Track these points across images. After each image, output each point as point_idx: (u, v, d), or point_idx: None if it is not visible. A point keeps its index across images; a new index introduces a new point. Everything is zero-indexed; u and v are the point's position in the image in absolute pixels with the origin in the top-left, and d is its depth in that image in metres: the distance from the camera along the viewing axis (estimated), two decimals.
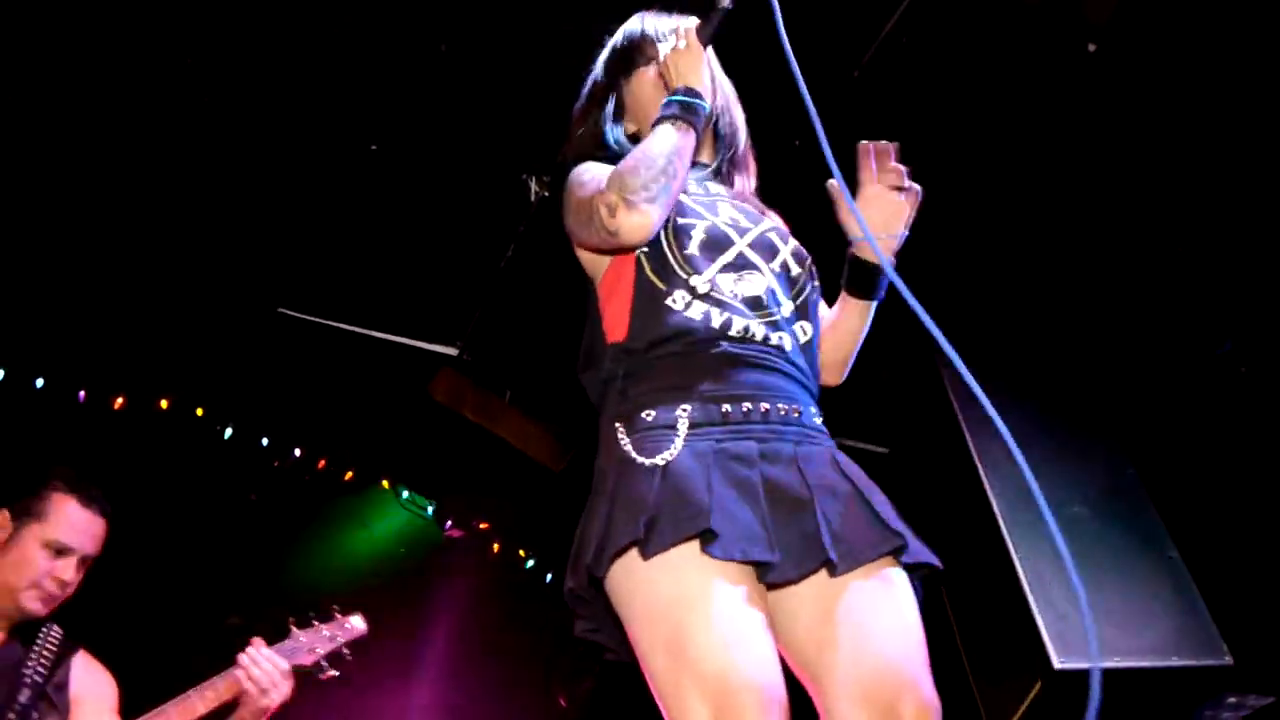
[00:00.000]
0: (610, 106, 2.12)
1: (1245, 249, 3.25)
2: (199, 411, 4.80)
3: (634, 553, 1.51)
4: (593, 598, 1.62)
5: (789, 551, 1.53)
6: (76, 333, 4.37)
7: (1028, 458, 3.28)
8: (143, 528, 4.66)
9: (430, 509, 5.47)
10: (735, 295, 1.76)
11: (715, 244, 1.81)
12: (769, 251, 1.87)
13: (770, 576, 1.53)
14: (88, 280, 4.17)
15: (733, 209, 1.93)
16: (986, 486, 3.18)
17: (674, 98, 1.86)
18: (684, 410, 1.64)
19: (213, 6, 3.09)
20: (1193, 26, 2.80)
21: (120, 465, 4.60)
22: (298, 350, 4.53)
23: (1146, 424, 3.48)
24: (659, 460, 1.58)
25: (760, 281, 1.80)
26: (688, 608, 1.46)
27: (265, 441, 4.98)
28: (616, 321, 1.80)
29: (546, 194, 3.65)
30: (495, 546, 5.63)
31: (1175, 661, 2.97)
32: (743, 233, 1.87)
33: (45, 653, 2.64)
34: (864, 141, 1.95)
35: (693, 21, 1.97)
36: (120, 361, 4.53)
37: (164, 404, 4.70)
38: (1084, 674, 2.89)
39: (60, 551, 2.55)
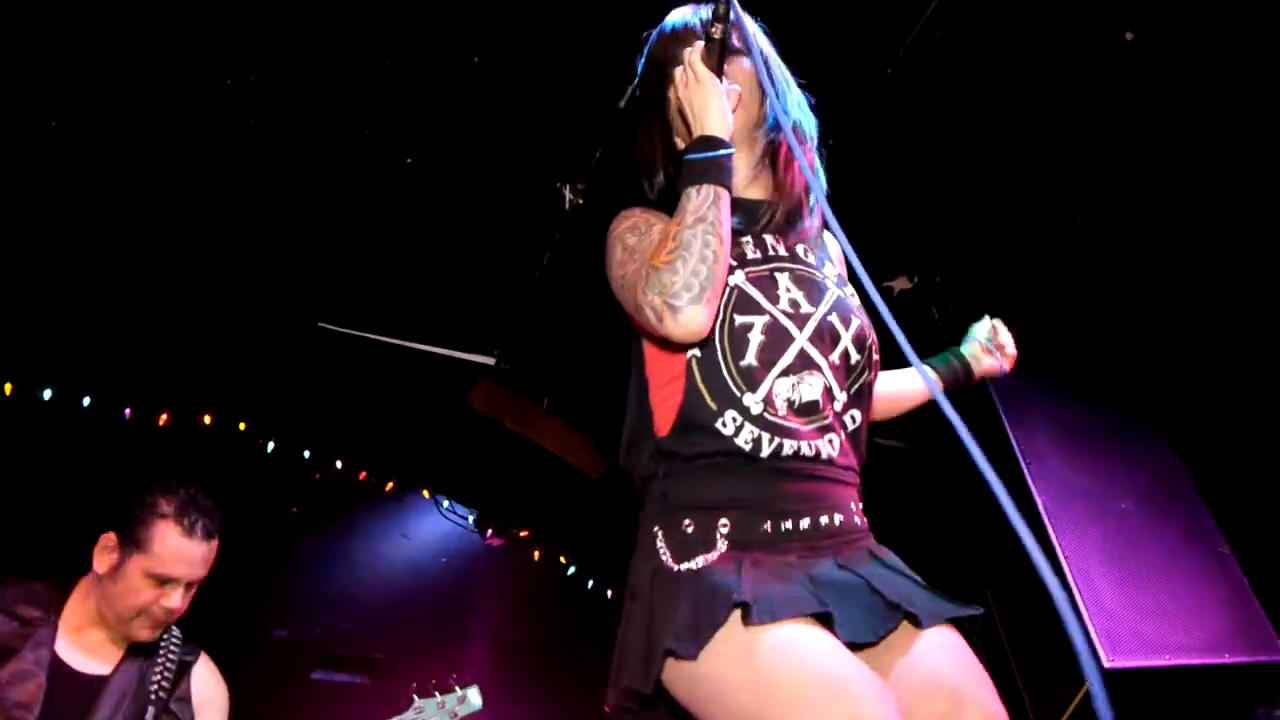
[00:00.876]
0: (650, 131, 1.96)
1: None
2: (242, 426, 4.86)
3: (675, 661, 1.50)
4: (638, 709, 1.60)
5: (856, 619, 1.51)
6: (121, 351, 4.44)
7: (1073, 454, 3.25)
8: None
9: (471, 518, 5.49)
10: (791, 404, 1.67)
11: (774, 346, 1.69)
12: (830, 340, 1.74)
13: (842, 636, 1.49)
14: (132, 300, 4.23)
15: (793, 283, 1.77)
16: (1030, 484, 3.14)
17: (691, 155, 1.71)
18: (724, 525, 1.61)
19: (251, 28, 3.13)
20: (1230, 13, 2.76)
21: (165, 481, 4.66)
22: (338, 364, 4.57)
23: (1196, 417, 3.43)
24: (694, 565, 1.58)
25: (818, 383, 1.70)
26: (762, 664, 1.42)
27: (307, 454, 5.03)
28: (663, 416, 1.73)
29: (581, 202, 3.66)
30: (536, 554, 5.65)
31: (1229, 659, 2.92)
32: (804, 321, 1.72)
33: (167, 665, 2.65)
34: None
35: (696, 47, 1.80)
36: (164, 378, 4.60)
37: (207, 419, 4.76)
38: (1135, 673, 2.86)
39: (164, 581, 2.52)
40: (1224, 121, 3.05)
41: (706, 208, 1.65)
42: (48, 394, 4.40)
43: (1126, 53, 2.87)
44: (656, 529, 1.66)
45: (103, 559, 2.55)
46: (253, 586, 4.96)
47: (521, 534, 5.60)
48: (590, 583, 5.71)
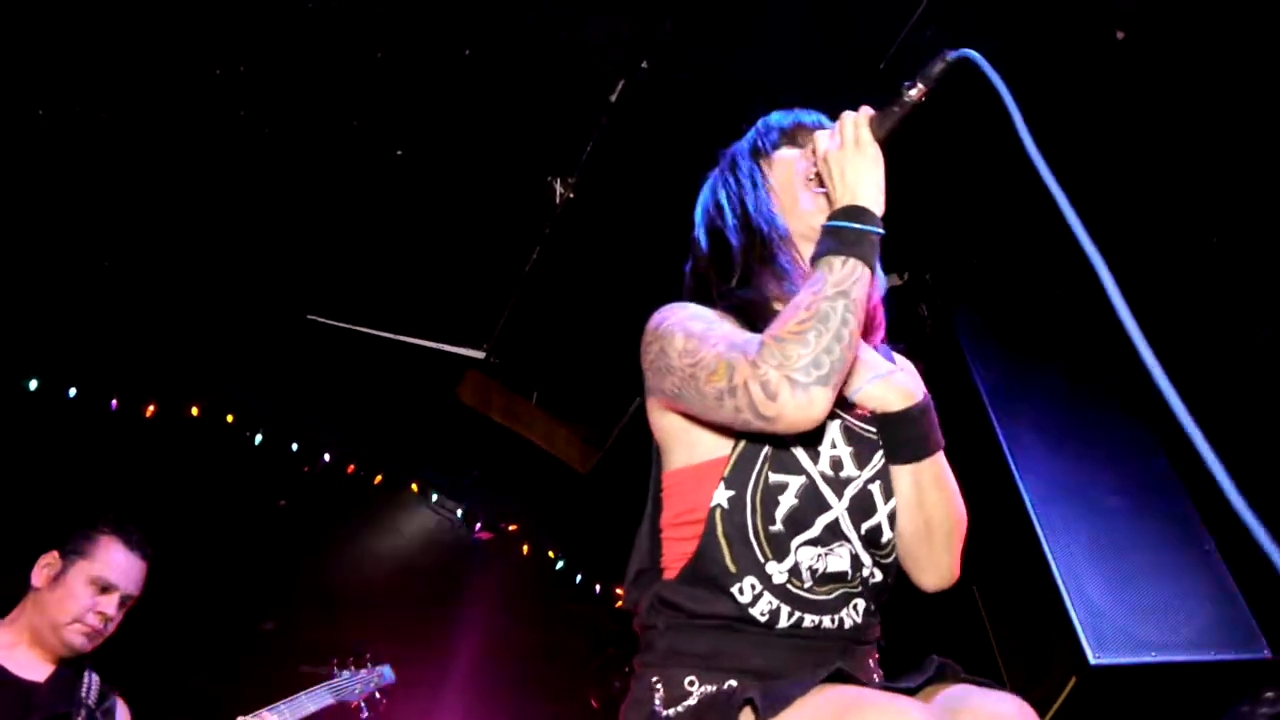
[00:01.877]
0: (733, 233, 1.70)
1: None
2: (229, 418, 4.84)
3: None
4: None
5: (893, 680, 1.47)
6: (108, 342, 4.42)
7: (1061, 451, 3.25)
8: (175, 534, 4.72)
9: (459, 511, 5.49)
10: (814, 574, 1.52)
11: (806, 513, 1.52)
12: (864, 512, 1.57)
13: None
14: (119, 290, 4.21)
15: (842, 439, 1.58)
16: (1018, 481, 3.15)
17: (838, 222, 1.50)
18: (731, 686, 1.45)
19: (241, 18, 3.11)
20: (1223, 13, 2.76)
21: (152, 472, 4.66)
22: (326, 356, 4.56)
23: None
24: (690, 702, 1.46)
25: (846, 555, 1.54)
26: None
27: (295, 447, 5.02)
28: (672, 556, 1.58)
29: (572, 196, 3.66)
30: (525, 548, 5.65)
31: (1213, 656, 2.93)
32: (843, 487, 1.55)
33: (91, 687, 2.79)
34: None
35: (864, 112, 1.59)
36: (151, 370, 4.58)
37: (195, 411, 4.74)
38: (1120, 670, 2.87)
39: (105, 589, 2.70)
40: (1214, 120, 3.06)
41: (851, 283, 1.44)
42: (34, 384, 4.38)
43: (1117, 52, 2.87)
44: (656, 680, 1.50)
45: (41, 573, 2.73)
46: (241, 578, 4.96)
47: (510, 528, 5.60)
48: (579, 577, 5.71)
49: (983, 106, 3.18)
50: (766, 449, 1.52)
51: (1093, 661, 2.84)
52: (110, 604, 2.70)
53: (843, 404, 1.60)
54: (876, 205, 1.54)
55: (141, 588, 2.82)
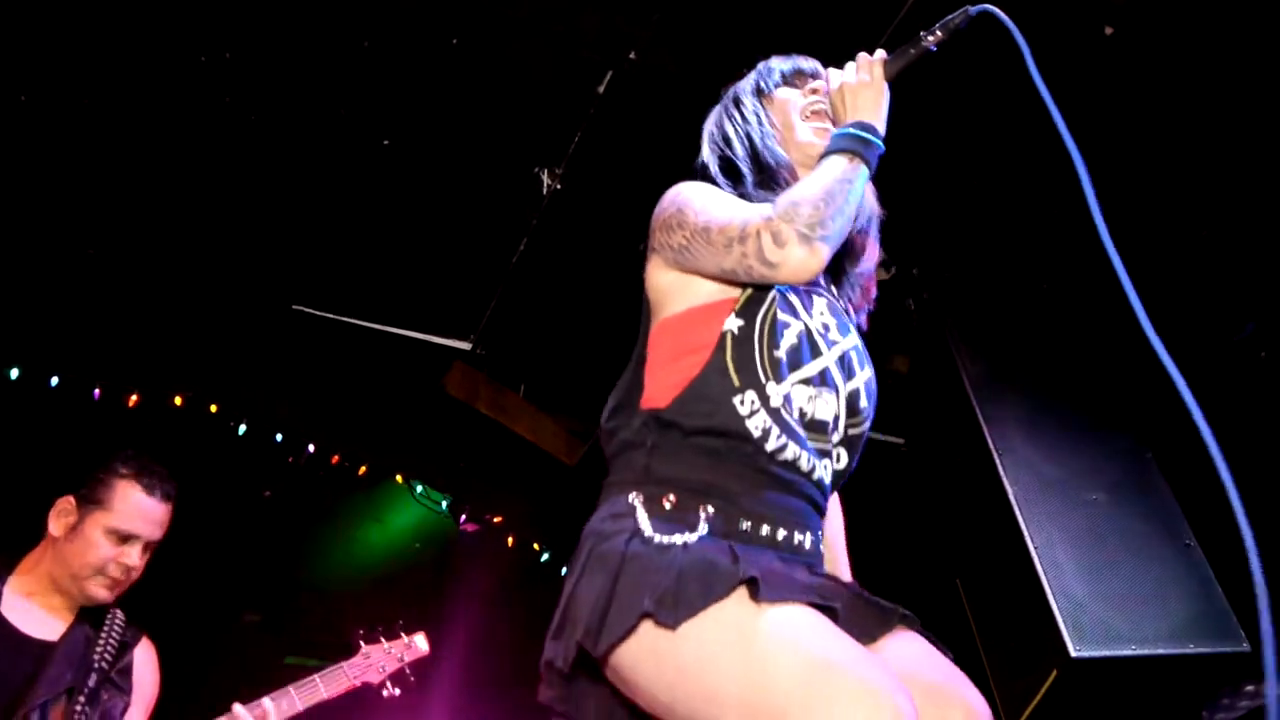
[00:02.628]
0: (751, 128, 1.91)
1: (1266, 233, 3.23)
2: (213, 408, 4.81)
3: (650, 627, 1.42)
4: (574, 674, 1.54)
5: (855, 619, 1.54)
6: (90, 331, 4.39)
7: (1045, 445, 3.27)
8: None
9: (445, 503, 5.48)
10: (803, 416, 1.65)
11: (804, 352, 1.68)
12: (847, 374, 1.75)
13: (853, 635, 1.47)
14: (101, 279, 4.18)
15: (828, 310, 1.79)
16: (1002, 474, 3.17)
17: (848, 130, 1.73)
18: (706, 512, 1.56)
19: (227, 6, 3.10)
20: (1211, 8, 2.78)
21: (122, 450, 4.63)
22: (311, 346, 4.54)
23: (1164, 410, 3.46)
24: (677, 540, 1.51)
25: (831, 406, 1.69)
26: (763, 635, 1.36)
27: (279, 438, 5.00)
28: (663, 387, 1.67)
29: (559, 187, 3.65)
30: (510, 540, 5.64)
31: (1192, 649, 2.95)
32: (831, 345, 1.73)
33: (111, 639, 2.67)
34: None
35: (879, 55, 1.83)
36: (134, 359, 4.55)
37: (178, 401, 4.72)
38: (1101, 662, 2.90)
39: (124, 539, 2.59)
40: (1205, 116, 3.08)
41: (855, 175, 1.68)
42: (15, 373, 4.35)
43: (1106, 47, 2.88)
44: (634, 496, 1.60)
45: (59, 522, 2.62)
46: (225, 570, 4.95)
47: (495, 520, 5.59)
48: (564, 569, 5.71)
49: (969, 100, 3.20)
50: (773, 293, 1.67)
51: (1073, 654, 2.86)
52: (133, 553, 2.61)
53: (828, 289, 1.84)
54: (881, 127, 1.76)
55: (165, 530, 2.70)
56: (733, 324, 1.65)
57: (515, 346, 4.59)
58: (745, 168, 1.88)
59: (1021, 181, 3.44)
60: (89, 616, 2.66)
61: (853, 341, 1.79)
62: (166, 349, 4.54)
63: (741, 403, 1.61)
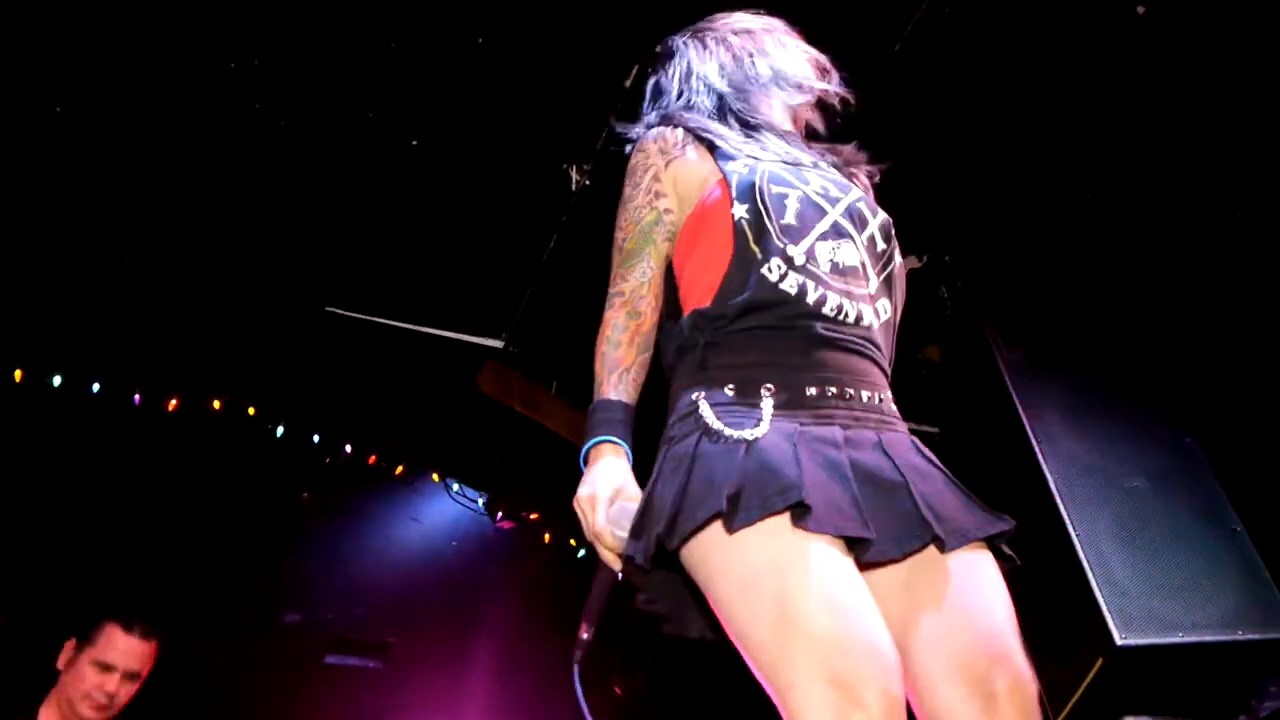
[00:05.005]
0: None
1: None
2: (251, 411, 4.86)
3: (716, 527, 1.48)
4: (654, 568, 1.58)
5: (886, 531, 1.51)
6: (130, 338, 4.44)
7: (1084, 432, 3.23)
8: (198, 527, 4.76)
9: (481, 501, 5.50)
10: (832, 265, 1.73)
11: (810, 214, 1.77)
12: (859, 223, 1.82)
13: (869, 555, 1.50)
14: (141, 285, 4.23)
15: (821, 178, 1.88)
16: (1042, 462, 3.13)
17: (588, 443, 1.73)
18: (768, 389, 1.62)
19: (254, 12, 3.12)
20: None
21: (175, 466, 4.69)
22: (346, 348, 4.57)
23: (1207, 394, 3.41)
24: (745, 435, 1.56)
25: (855, 252, 1.77)
26: (788, 576, 1.42)
27: (316, 439, 5.04)
28: (701, 289, 1.76)
29: (587, 183, 3.65)
30: (546, 536, 5.66)
31: (1240, 635, 2.91)
32: (834, 202, 1.81)
33: None
34: None
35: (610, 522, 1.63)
36: (173, 364, 4.60)
37: (217, 405, 4.77)
38: (1146, 650, 2.86)
39: (105, 668, 3.05)
40: (1239, 97, 3.02)
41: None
42: (57, 380, 4.41)
43: (1139, 26, 2.84)
44: (697, 395, 1.65)
45: (63, 658, 3.13)
46: (265, 572, 5.00)
47: (531, 517, 5.61)
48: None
49: (1001, 86, 3.16)
50: (761, 172, 1.79)
51: (1119, 642, 2.83)
52: (111, 681, 3.03)
53: (816, 166, 1.92)
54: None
55: (147, 664, 3.14)
56: (739, 210, 1.75)
57: (547, 343, 4.59)
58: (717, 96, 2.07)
59: (1055, 166, 3.40)
60: None
61: (856, 195, 1.86)
62: (204, 354, 4.59)
63: (770, 270, 1.69)
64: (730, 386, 1.64)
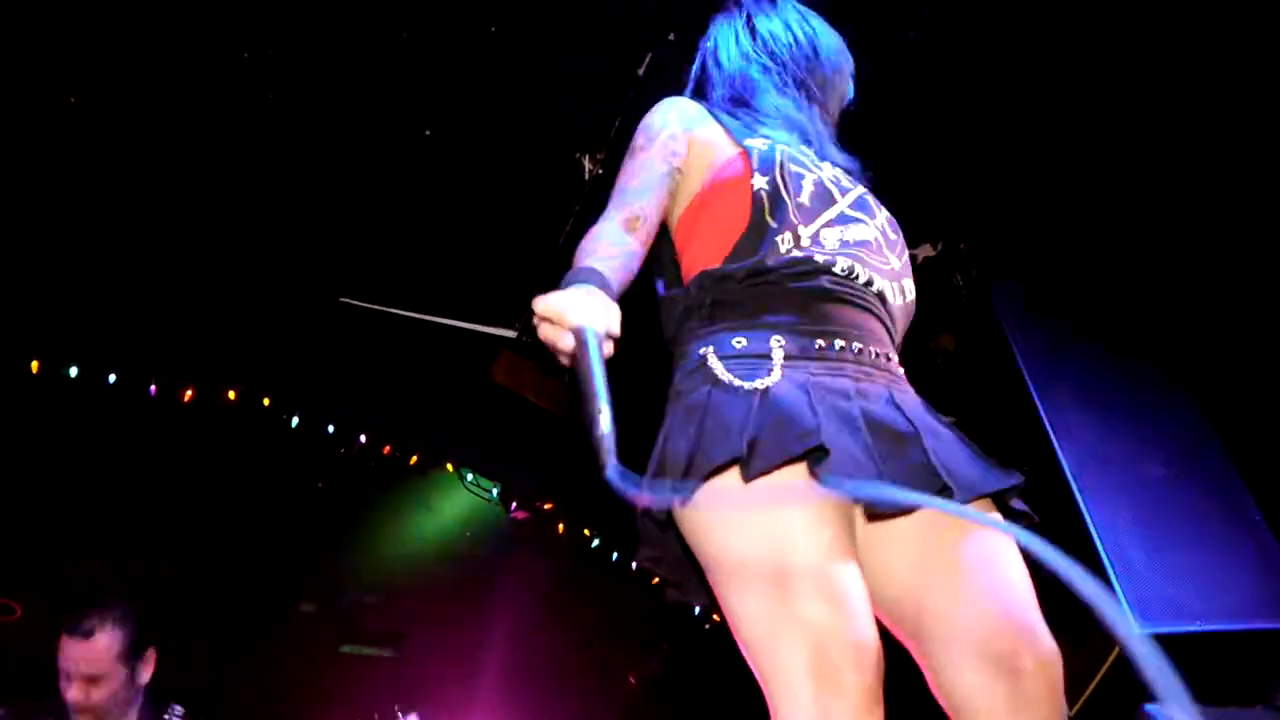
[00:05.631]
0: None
1: None
2: (266, 402, 4.88)
3: (729, 477, 1.46)
4: (667, 523, 1.58)
5: (897, 482, 1.48)
6: (145, 329, 4.47)
7: (1101, 420, 3.21)
8: (214, 517, 4.78)
9: (495, 491, 5.51)
10: (841, 243, 1.72)
11: (822, 198, 1.77)
12: (869, 213, 1.83)
13: (881, 507, 1.52)
14: (156, 276, 4.25)
15: (833, 168, 1.88)
16: (1058, 451, 3.11)
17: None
18: (777, 340, 1.60)
19: (267, 2, 3.12)
20: None
21: (191, 456, 4.72)
22: (360, 338, 4.58)
23: (1225, 382, 3.38)
24: (757, 384, 1.54)
25: (868, 230, 1.77)
26: (790, 551, 1.41)
27: (331, 429, 5.05)
28: (711, 251, 1.74)
29: (601, 172, 3.64)
30: (560, 527, 5.66)
31: (1259, 624, 2.89)
32: (844, 192, 1.82)
33: None
34: None
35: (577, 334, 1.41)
36: (188, 355, 4.62)
37: (232, 395, 4.79)
38: (1165, 639, 2.84)
39: (66, 676, 2.99)
40: (1261, 80, 2.99)
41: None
42: (74, 371, 4.43)
43: (1158, 8, 2.81)
44: (704, 350, 1.63)
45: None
46: (280, 562, 5.02)
47: (546, 507, 5.61)
48: (615, 555, 5.72)
49: (1015, 72, 3.13)
50: (781, 150, 1.78)
51: (1137, 631, 2.81)
52: (70, 689, 2.98)
53: (831, 165, 1.89)
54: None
55: (100, 663, 3.01)
56: (759, 182, 1.74)
57: None
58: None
59: (1070, 153, 3.38)
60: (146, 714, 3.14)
61: (863, 190, 1.87)
62: (219, 344, 4.61)
63: (784, 241, 1.69)
64: (738, 339, 1.62)
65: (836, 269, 1.68)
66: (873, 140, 1.96)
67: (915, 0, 2.91)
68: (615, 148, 3.57)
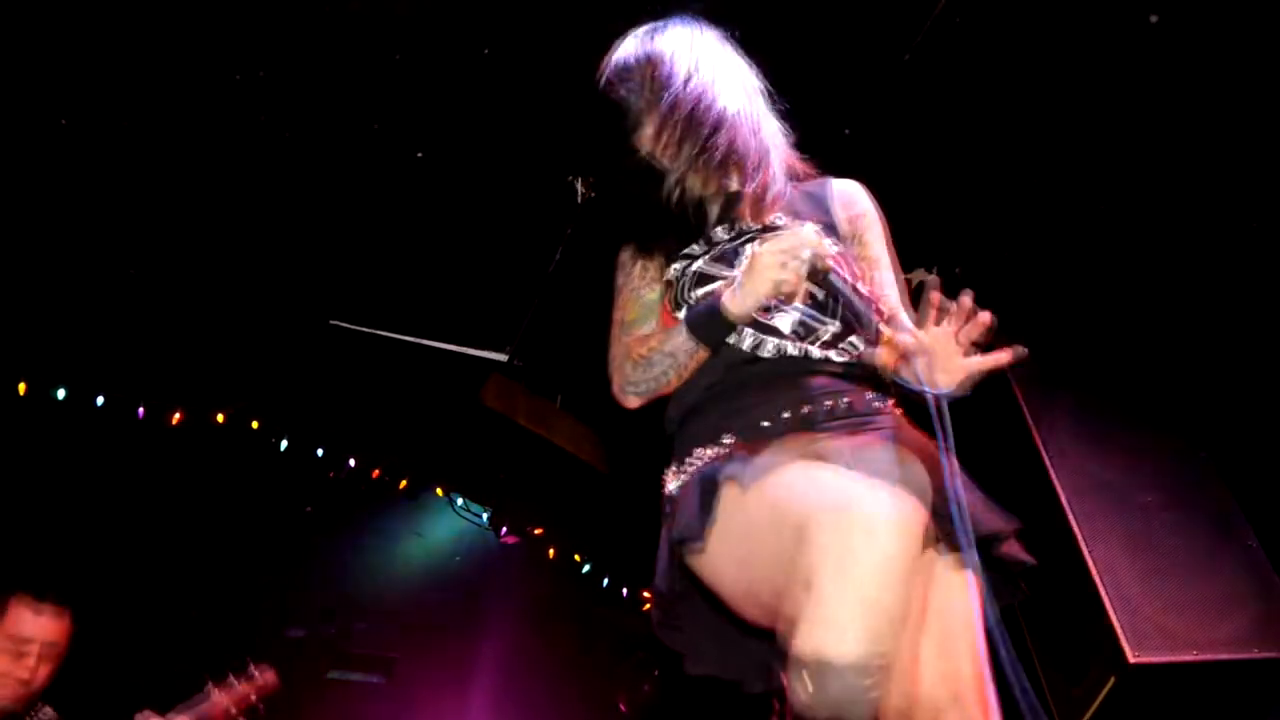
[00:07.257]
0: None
1: None
2: (255, 425, 4.85)
3: (734, 491, 1.56)
4: (678, 597, 1.69)
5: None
6: (133, 351, 4.44)
7: (1096, 447, 3.19)
8: (202, 541, 4.73)
9: (485, 515, 5.47)
10: (765, 329, 1.79)
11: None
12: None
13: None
14: (144, 298, 4.23)
15: (746, 239, 1.90)
16: (1053, 477, 3.10)
17: (715, 314, 1.74)
18: (727, 439, 1.71)
19: (259, 23, 3.11)
20: None
21: (179, 479, 4.67)
22: (350, 361, 4.55)
23: (1220, 409, 3.38)
24: (692, 466, 1.73)
25: (785, 319, 1.79)
26: (772, 487, 1.52)
27: (320, 452, 5.02)
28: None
29: (593, 195, 3.63)
30: (551, 551, 5.63)
31: (1256, 654, 2.87)
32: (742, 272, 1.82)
33: None
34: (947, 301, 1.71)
35: (813, 243, 1.66)
36: (177, 377, 4.60)
37: (220, 418, 4.75)
38: (1160, 669, 2.81)
39: (20, 644, 2.87)
40: (1253, 108, 3.00)
41: (690, 349, 1.78)
42: (61, 393, 4.40)
43: (1151, 37, 2.82)
44: (669, 478, 1.79)
45: None
46: (268, 586, 4.97)
47: (536, 532, 5.58)
48: (605, 580, 5.68)
49: (1014, 97, 3.14)
50: (689, 281, 1.87)
51: (1132, 660, 2.79)
52: (27, 660, 2.86)
53: (765, 228, 1.89)
54: (744, 319, 1.76)
55: (62, 636, 2.96)
56: (680, 315, 1.84)
57: (552, 357, 4.56)
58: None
59: (1068, 178, 3.38)
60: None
61: (775, 234, 1.81)
62: (208, 367, 4.58)
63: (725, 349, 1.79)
64: (699, 451, 1.73)
65: (764, 353, 1.81)
66: (868, 163, 1.95)
67: (912, 24, 2.91)
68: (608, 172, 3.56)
